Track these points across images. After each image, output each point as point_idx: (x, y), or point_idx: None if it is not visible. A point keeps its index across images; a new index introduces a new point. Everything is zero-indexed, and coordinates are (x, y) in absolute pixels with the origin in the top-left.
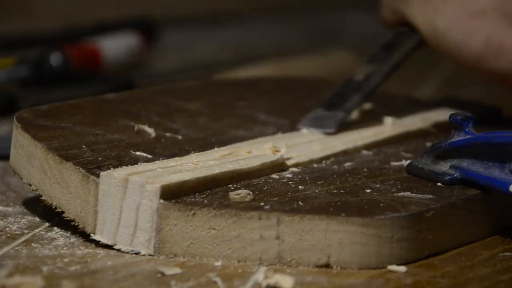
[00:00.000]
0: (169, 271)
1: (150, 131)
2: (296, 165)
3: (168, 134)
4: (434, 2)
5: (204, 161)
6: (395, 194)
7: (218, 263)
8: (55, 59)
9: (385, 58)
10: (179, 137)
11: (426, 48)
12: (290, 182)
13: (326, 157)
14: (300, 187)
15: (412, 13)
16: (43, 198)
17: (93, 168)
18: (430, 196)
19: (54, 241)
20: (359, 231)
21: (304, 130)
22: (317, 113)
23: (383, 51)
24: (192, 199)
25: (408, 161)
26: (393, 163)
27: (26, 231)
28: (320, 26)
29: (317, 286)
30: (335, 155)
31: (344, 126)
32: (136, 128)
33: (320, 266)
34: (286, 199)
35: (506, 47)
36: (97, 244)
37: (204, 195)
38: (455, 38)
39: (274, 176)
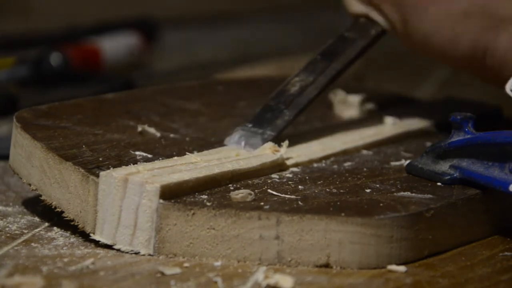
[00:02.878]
0: (169, 271)
1: (154, 131)
2: (296, 165)
3: (167, 134)
4: (415, 3)
5: (204, 161)
6: (395, 194)
7: (218, 263)
8: (55, 59)
9: (324, 67)
10: (179, 137)
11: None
12: (290, 182)
13: (326, 157)
14: (300, 187)
15: (387, 11)
16: (42, 198)
17: (92, 168)
18: (430, 196)
19: (54, 241)
20: (359, 231)
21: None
22: (244, 129)
23: (323, 58)
24: (192, 199)
25: (408, 161)
26: (393, 163)
27: (25, 231)
28: (319, 26)
29: (317, 286)
30: (335, 155)
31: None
32: (140, 129)
33: (320, 266)
34: (286, 199)
35: (491, 48)
36: (97, 244)
37: (203, 195)
38: (440, 42)
39: (274, 176)
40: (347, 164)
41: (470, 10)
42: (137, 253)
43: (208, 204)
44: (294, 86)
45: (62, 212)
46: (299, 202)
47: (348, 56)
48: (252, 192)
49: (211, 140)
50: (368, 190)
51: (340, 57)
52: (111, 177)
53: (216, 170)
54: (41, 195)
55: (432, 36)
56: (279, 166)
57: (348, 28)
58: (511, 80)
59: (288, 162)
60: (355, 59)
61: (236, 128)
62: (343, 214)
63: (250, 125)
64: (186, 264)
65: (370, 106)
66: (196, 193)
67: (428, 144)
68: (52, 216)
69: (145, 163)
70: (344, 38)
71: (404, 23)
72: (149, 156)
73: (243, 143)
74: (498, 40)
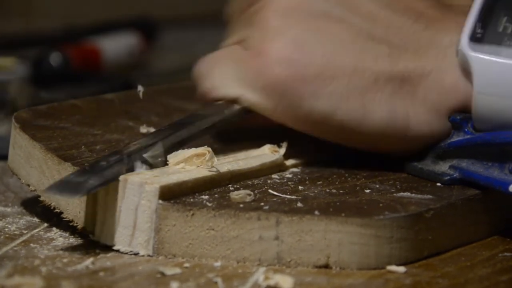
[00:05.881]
0: (169, 271)
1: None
2: (295, 165)
3: None
4: (308, 85)
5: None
6: (395, 194)
7: (217, 264)
8: (55, 59)
9: (167, 134)
10: None
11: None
12: (290, 183)
13: (326, 157)
14: (299, 187)
15: (270, 103)
16: (41, 198)
17: None
18: (430, 196)
19: (53, 241)
20: (359, 232)
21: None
22: (66, 179)
23: (169, 127)
24: (191, 200)
25: (408, 161)
26: (393, 163)
27: (25, 232)
28: None
29: (317, 287)
30: (335, 155)
31: None
32: (145, 130)
33: (320, 267)
34: (286, 199)
35: (412, 115)
36: (96, 244)
37: (203, 196)
38: (346, 117)
39: (274, 176)
40: (347, 164)
41: (378, 79)
42: (136, 254)
43: (208, 204)
44: (129, 148)
45: (61, 212)
46: (299, 203)
47: (198, 126)
48: (252, 193)
49: (210, 141)
50: (367, 191)
51: (189, 126)
52: None
53: (216, 171)
54: (40, 196)
55: (332, 116)
56: (279, 166)
57: (203, 107)
58: None
59: (288, 163)
60: (207, 130)
61: (58, 180)
62: (343, 215)
63: (72, 176)
64: (186, 265)
65: None
66: (196, 194)
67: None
68: (51, 216)
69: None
70: (197, 114)
71: (297, 105)
72: None
73: (60, 190)
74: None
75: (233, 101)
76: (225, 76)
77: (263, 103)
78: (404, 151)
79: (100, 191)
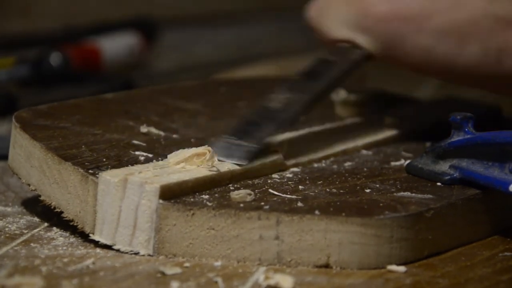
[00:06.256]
0: (169, 270)
1: (158, 132)
2: (295, 165)
3: (167, 134)
4: (415, 17)
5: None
6: (395, 194)
7: (218, 263)
8: (55, 59)
9: (307, 87)
10: (179, 137)
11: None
12: (290, 182)
13: (326, 157)
14: (300, 187)
15: (379, 33)
16: (42, 198)
17: (92, 168)
18: (430, 196)
19: (53, 241)
20: (359, 231)
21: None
22: (227, 141)
23: (306, 78)
24: (192, 199)
25: (408, 161)
26: (393, 163)
27: (25, 231)
28: None
29: (317, 286)
30: (334, 155)
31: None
32: (145, 130)
33: (320, 266)
34: (286, 199)
35: (507, 48)
36: (96, 244)
37: (203, 195)
38: (444, 55)
39: (274, 176)
40: (347, 164)
41: (474, 16)
42: (136, 254)
43: (208, 204)
44: (277, 103)
45: (62, 212)
46: (299, 202)
47: (332, 77)
48: (252, 192)
49: (210, 140)
50: (368, 190)
51: (324, 77)
52: (111, 177)
53: (216, 170)
54: (40, 195)
55: (434, 49)
56: (279, 166)
57: (330, 53)
58: None
59: (288, 162)
60: (339, 81)
61: (219, 139)
62: (343, 214)
63: (233, 137)
64: (186, 264)
65: (370, 106)
66: (196, 193)
67: (428, 144)
68: (52, 216)
69: (144, 163)
70: (327, 61)
71: (400, 42)
72: (149, 156)
73: (227, 154)
74: None
75: (348, 43)
76: (335, 17)
77: (369, 43)
78: (496, 90)
79: (100, 191)
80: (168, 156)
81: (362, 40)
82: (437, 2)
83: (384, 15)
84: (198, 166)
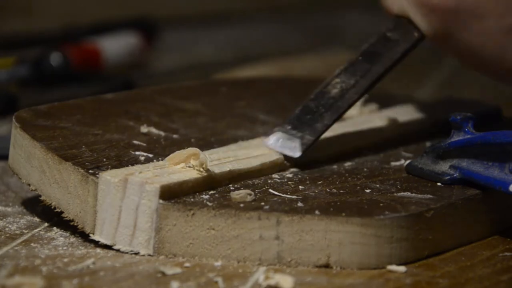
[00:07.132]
0: (169, 270)
1: (159, 132)
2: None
3: (167, 134)
4: (462, 17)
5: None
6: (395, 194)
7: (218, 263)
8: (55, 59)
9: (365, 70)
10: (179, 137)
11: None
12: (290, 182)
13: (326, 157)
14: (300, 187)
15: (430, 18)
16: (42, 198)
17: (92, 168)
18: (430, 196)
19: (54, 241)
20: (359, 231)
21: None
22: (283, 131)
23: (364, 60)
24: (192, 199)
25: (408, 161)
26: (393, 163)
27: (25, 231)
28: (320, 26)
29: (317, 286)
30: (334, 154)
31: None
32: (146, 130)
33: (320, 266)
34: (286, 199)
35: None
36: (96, 244)
37: (203, 195)
38: (489, 55)
39: (274, 176)
40: (347, 164)
41: None
42: (136, 254)
43: (208, 204)
44: (334, 88)
45: (62, 212)
46: (299, 202)
47: (390, 58)
48: (252, 192)
49: (211, 140)
50: (368, 190)
51: (383, 59)
52: (111, 177)
53: (216, 171)
54: (40, 195)
55: (478, 51)
56: (279, 166)
57: (390, 28)
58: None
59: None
60: (397, 62)
61: (274, 129)
62: (343, 214)
63: (289, 127)
64: (186, 264)
65: (370, 106)
66: (196, 193)
67: (428, 144)
68: (52, 216)
69: (144, 163)
70: (386, 38)
71: (448, 34)
72: (149, 156)
73: (282, 145)
74: None
75: (407, 19)
76: None
77: (423, 25)
78: None
79: (101, 191)
80: (167, 158)
81: (419, 20)
82: (491, 3)
83: (437, 4)
84: (188, 167)
